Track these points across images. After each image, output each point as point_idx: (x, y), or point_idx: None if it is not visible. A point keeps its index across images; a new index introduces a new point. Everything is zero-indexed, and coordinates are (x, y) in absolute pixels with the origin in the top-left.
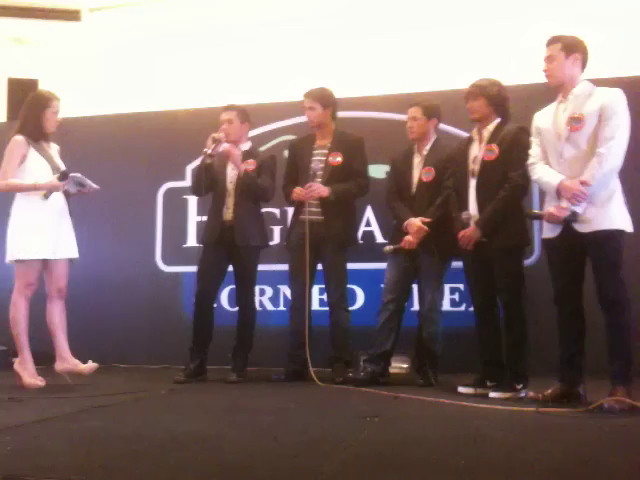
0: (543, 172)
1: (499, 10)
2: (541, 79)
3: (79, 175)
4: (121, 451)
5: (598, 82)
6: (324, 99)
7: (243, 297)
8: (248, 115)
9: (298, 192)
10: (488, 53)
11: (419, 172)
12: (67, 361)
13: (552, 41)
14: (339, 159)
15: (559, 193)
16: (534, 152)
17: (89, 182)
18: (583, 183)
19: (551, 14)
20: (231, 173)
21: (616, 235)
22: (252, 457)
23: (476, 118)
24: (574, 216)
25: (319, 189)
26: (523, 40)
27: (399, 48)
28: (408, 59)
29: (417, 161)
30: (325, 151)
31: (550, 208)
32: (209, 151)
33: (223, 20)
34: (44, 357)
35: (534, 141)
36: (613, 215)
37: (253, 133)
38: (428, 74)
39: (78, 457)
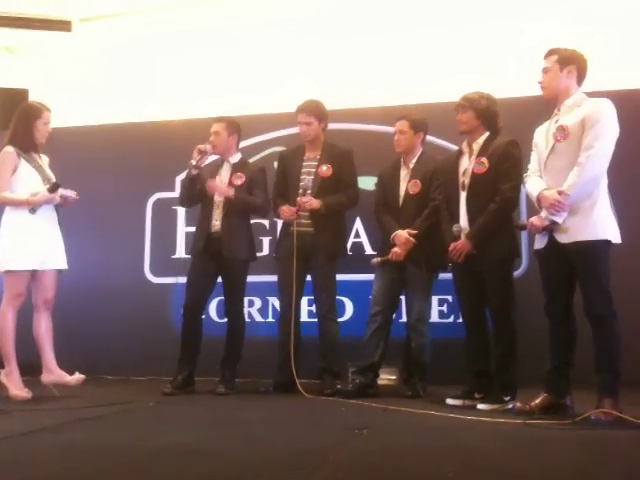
0: (530, 183)
1: (499, 10)
2: (538, 91)
3: (64, 191)
4: (108, 463)
5: (596, 94)
6: (319, 113)
7: (232, 309)
8: (238, 127)
9: (286, 213)
10: (488, 53)
11: (406, 185)
12: (53, 373)
13: (549, 53)
14: (329, 171)
15: (539, 203)
16: (530, 165)
17: (72, 195)
18: (561, 193)
19: (551, 14)
20: (220, 185)
21: (599, 246)
22: (240, 469)
23: (464, 130)
24: (553, 226)
25: (310, 202)
26: (522, 40)
27: (388, 55)
28: (399, 65)
29: (404, 174)
30: (315, 163)
31: (532, 218)
32: (194, 163)
33: (216, 33)
34: (30, 368)
35: (532, 155)
36: (595, 225)
37: (243, 144)
38: (421, 81)
39: (64, 469)
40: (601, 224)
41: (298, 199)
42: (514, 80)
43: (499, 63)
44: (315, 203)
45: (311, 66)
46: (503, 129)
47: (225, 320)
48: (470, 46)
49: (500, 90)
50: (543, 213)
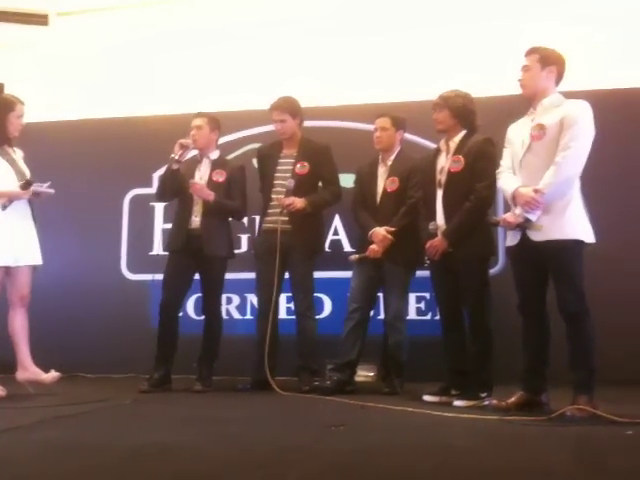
0: (504, 180)
1: (498, 10)
2: (518, 90)
3: (36, 186)
4: (84, 462)
5: (572, 95)
6: (293, 109)
7: (210, 306)
8: (219, 123)
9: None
10: (486, 53)
11: (384, 182)
12: (29, 370)
13: (530, 52)
14: (306, 168)
15: (514, 200)
16: (503, 162)
17: (45, 190)
18: (537, 191)
19: (551, 14)
20: (199, 181)
21: (572, 245)
22: (217, 467)
23: (441, 129)
24: (527, 223)
25: (294, 204)
26: (522, 40)
27: (388, 55)
28: (399, 65)
29: (382, 171)
30: (291, 160)
31: (505, 215)
32: (176, 157)
33: (195, 25)
34: (5, 366)
35: (505, 151)
36: (568, 225)
37: (221, 141)
38: (421, 81)
39: (39, 468)
40: (573, 224)
41: (280, 200)
42: (513, 80)
43: (498, 63)
44: (299, 203)
45: (309, 65)
46: (491, 126)
47: (202, 318)
48: (470, 46)
49: (500, 90)
50: (517, 210)
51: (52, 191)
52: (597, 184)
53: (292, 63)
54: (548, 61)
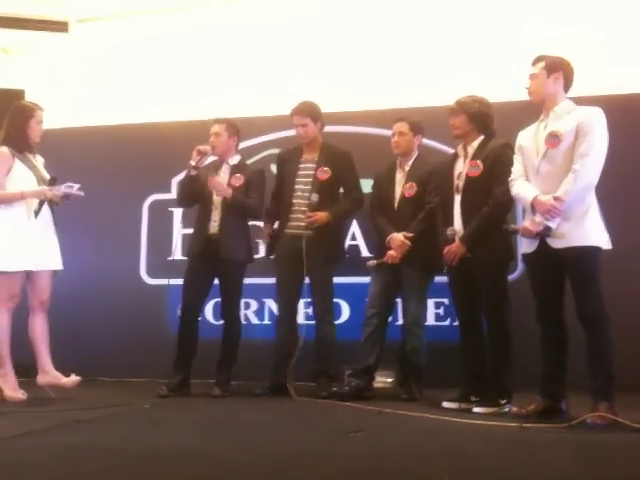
0: (521, 188)
1: (498, 10)
2: (518, 97)
3: (66, 187)
4: (102, 465)
5: (582, 100)
6: (313, 113)
7: (228, 311)
8: (238, 129)
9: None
10: (489, 53)
11: (401, 187)
12: (49, 374)
13: (536, 60)
14: (327, 174)
15: (533, 208)
16: (515, 169)
17: (75, 192)
18: (557, 199)
19: (551, 14)
20: (220, 182)
21: (591, 251)
22: (235, 472)
23: (458, 134)
24: (547, 231)
25: (317, 219)
26: (523, 40)
27: (389, 55)
28: (400, 65)
29: (400, 176)
30: (312, 165)
31: (525, 222)
32: (194, 163)
33: (213, 33)
34: (26, 370)
35: (516, 158)
36: (588, 231)
37: (240, 146)
38: (421, 82)
39: (59, 471)
40: (593, 231)
41: (305, 217)
42: (515, 81)
43: (500, 64)
44: (323, 218)
45: (310, 67)
46: (498, 132)
47: (221, 322)
48: (471, 46)
49: (502, 91)
50: (538, 218)
51: (82, 193)
52: (610, 189)
53: (293, 66)
54: (554, 68)
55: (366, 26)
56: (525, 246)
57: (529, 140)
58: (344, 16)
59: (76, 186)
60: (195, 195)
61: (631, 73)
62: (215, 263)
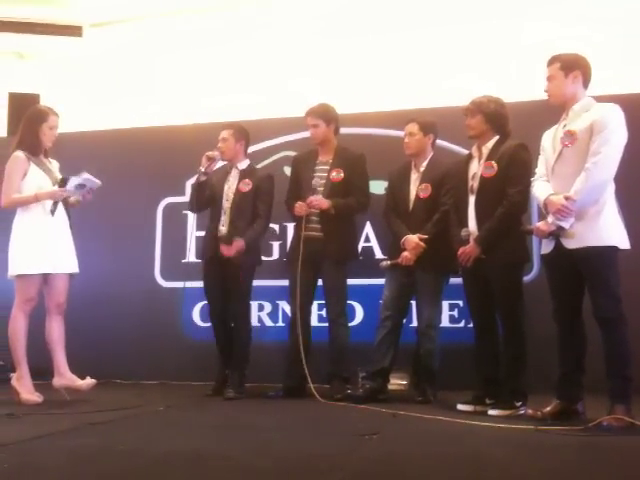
0: (537, 188)
1: (498, 10)
2: (542, 94)
3: (78, 177)
4: (118, 468)
5: (603, 99)
6: (327, 115)
7: (237, 313)
8: (246, 133)
9: (298, 208)
10: (487, 53)
11: (416, 188)
12: (65, 377)
13: (551, 61)
14: (341, 175)
15: (546, 208)
16: (538, 169)
17: (90, 178)
18: (568, 198)
19: (551, 14)
20: (228, 190)
21: (606, 251)
22: (249, 474)
23: (473, 135)
24: (560, 231)
25: (319, 202)
26: (523, 39)
27: (392, 55)
28: (403, 65)
29: (414, 177)
30: (327, 167)
31: (538, 223)
32: (203, 169)
33: (224, 36)
34: (42, 372)
35: (540, 158)
36: (601, 231)
37: (254, 149)
38: (425, 82)
39: (75, 474)
40: (608, 230)
41: (308, 199)
42: (517, 80)
43: (505, 64)
44: (324, 203)
45: (316, 68)
46: (512, 133)
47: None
48: (473, 46)
49: (506, 91)
50: (550, 218)
51: (98, 182)
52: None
53: (299, 68)
54: (571, 66)
55: (375, 26)
56: (543, 247)
57: (549, 140)
58: (351, 16)
59: (84, 175)
60: (206, 200)
61: (631, 73)
62: (224, 265)
